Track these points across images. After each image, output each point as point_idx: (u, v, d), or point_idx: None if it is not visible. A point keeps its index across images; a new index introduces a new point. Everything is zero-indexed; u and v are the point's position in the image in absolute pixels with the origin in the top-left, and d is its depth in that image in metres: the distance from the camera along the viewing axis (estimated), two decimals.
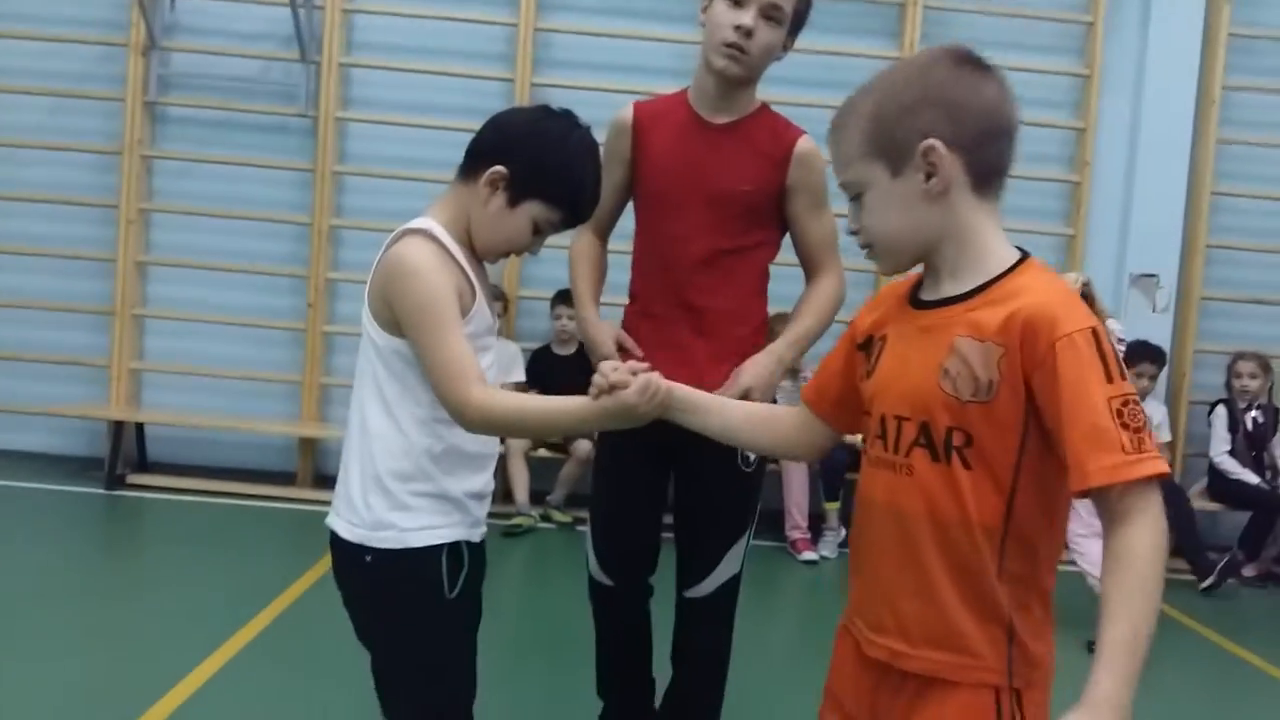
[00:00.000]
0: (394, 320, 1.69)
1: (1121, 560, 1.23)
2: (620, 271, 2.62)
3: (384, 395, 1.72)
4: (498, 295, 5.46)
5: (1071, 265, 5.79)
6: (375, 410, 1.73)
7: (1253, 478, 5.43)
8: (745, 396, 2.27)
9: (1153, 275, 5.81)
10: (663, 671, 2.62)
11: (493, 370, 1.79)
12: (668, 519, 2.53)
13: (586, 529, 2.57)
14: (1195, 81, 5.80)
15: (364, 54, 5.83)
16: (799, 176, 2.36)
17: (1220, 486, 5.52)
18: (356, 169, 5.82)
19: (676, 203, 2.38)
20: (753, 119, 2.39)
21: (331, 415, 5.87)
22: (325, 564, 4.25)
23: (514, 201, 1.75)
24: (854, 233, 1.45)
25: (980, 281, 1.36)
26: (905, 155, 1.34)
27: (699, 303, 2.39)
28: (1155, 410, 5.55)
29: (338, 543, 1.76)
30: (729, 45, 2.26)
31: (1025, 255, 1.37)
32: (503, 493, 5.18)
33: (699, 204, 2.35)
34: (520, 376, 5.48)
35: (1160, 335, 5.68)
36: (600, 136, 1.98)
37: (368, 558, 1.72)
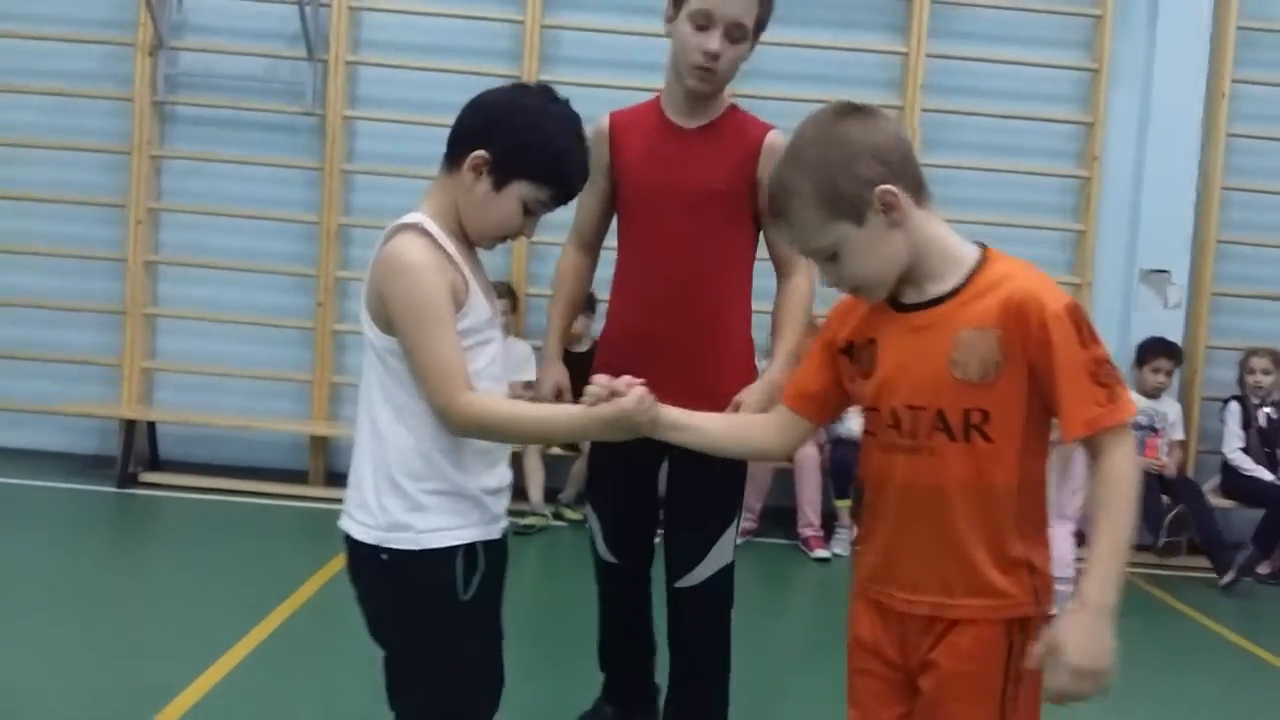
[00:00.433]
0: (389, 318, 1.69)
1: (1104, 485, 1.50)
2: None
3: (391, 395, 1.71)
4: (507, 293, 5.46)
5: (1081, 261, 5.77)
6: (384, 411, 1.72)
7: (1267, 474, 5.39)
8: None
9: (1164, 271, 5.78)
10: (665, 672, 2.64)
11: (496, 365, 1.77)
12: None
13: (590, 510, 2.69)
14: (1204, 75, 5.76)
15: (371, 52, 5.84)
16: (768, 169, 2.38)
17: (1234, 483, 5.49)
18: (364, 167, 5.83)
19: (654, 207, 2.45)
20: (723, 120, 2.47)
21: (342, 413, 5.87)
22: (337, 563, 4.28)
23: (500, 184, 1.73)
24: (832, 285, 1.63)
25: (961, 279, 1.57)
26: (861, 205, 1.53)
27: (682, 306, 2.44)
28: (1170, 407, 5.52)
29: (353, 543, 1.76)
30: (697, 68, 2.34)
31: (984, 247, 1.60)
32: (516, 490, 5.17)
33: (676, 207, 2.42)
34: (531, 375, 5.46)
35: (1172, 331, 5.65)
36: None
37: (383, 556, 1.71)
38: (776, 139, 2.41)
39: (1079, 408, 1.49)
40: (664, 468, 2.56)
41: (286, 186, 5.82)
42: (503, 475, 1.81)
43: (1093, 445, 1.52)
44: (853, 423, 5.01)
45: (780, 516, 5.32)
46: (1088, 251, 5.77)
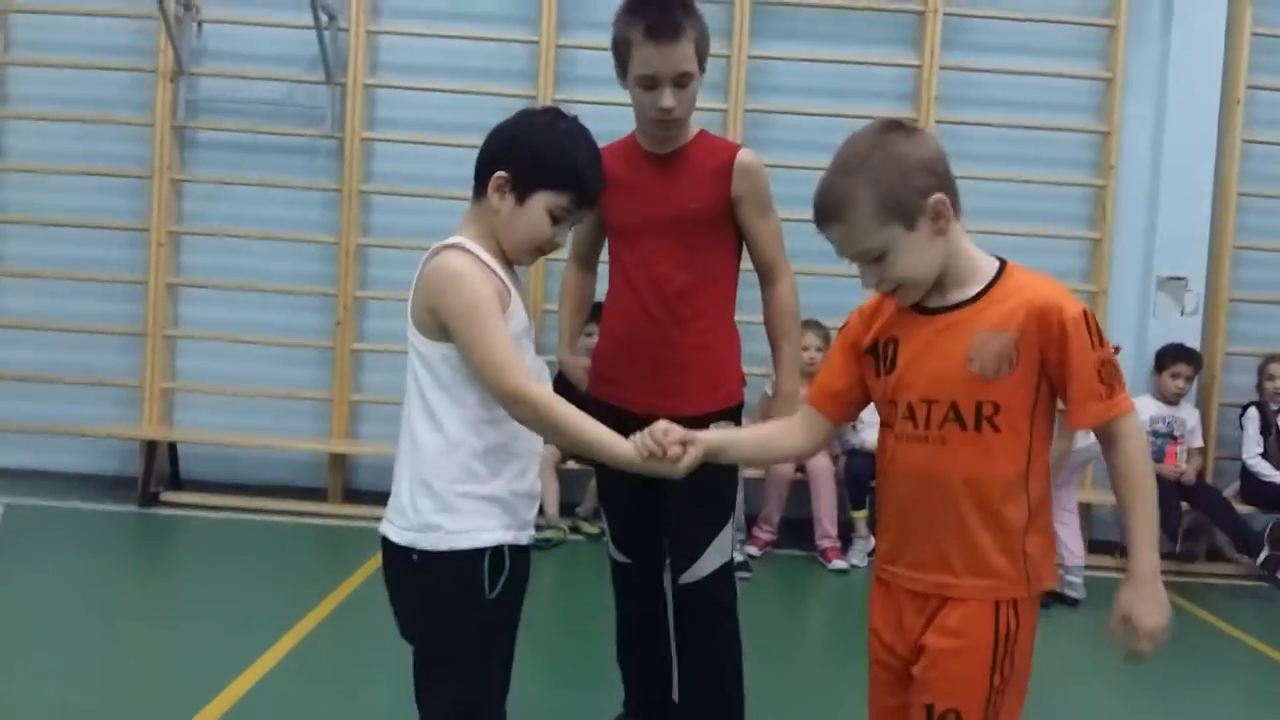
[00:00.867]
0: (439, 326, 1.77)
1: (1122, 467, 1.68)
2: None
3: (429, 405, 1.80)
4: None
5: (1098, 269, 5.76)
6: (421, 422, 1.81)
7: None
8: None
9: (1181, 278, 5.76)
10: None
11: (531, 373, 1.84)
12: None
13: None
14: (1219, 82, 5.75)
15: (388, 75, 5.90)
16: (743, 186, 2.56)
17: (1253, 489, 5.46)
18: (382, 188, 5.88)
19: (636, 230, 2.59)
20: (693, 144, 2.60)
21: (361, 431, 5.92)
22: (357, 578, 4.31)
23: (522, 198, 1.84)
24: (873, 286, 1.76)
25: (982, 286, 1.72)
26: (915, 212, 1.68)
27: (661, 320, 2.56)
28: (1189, 414, 5.50)
29: (388, 545, 1.84)
30: (656, 122, 2.50)
31: (1003, 261, 1.75)
32: None
33: (656, 228, 2.56)
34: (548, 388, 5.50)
35: (1189, 338, 5.63)
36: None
37: (414, 557, 1.79)
38: (746, 156, 2.57)
39: (1084, 403, 1.66)
40: None
41: (305, 208, 5.89)
42: (533, 483, 1.88)
43: (1104, 435, 1.69)
44: (867, 434, 5.02)
45: (797, 529, 5.32)
46: (1104, 259, 5.76)
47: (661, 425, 1.79)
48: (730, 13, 5.66)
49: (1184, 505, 5.26)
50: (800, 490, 5.33)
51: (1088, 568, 4.78)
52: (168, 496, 5.60)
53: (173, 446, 5.84)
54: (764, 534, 5.26)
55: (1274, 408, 5.49)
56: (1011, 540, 1.70)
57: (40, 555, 4.56)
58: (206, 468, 5.91)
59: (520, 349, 1.81)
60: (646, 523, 2.70)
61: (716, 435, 1.92)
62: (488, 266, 1.81)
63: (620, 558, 2.76)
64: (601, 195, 1.96)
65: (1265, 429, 5.48)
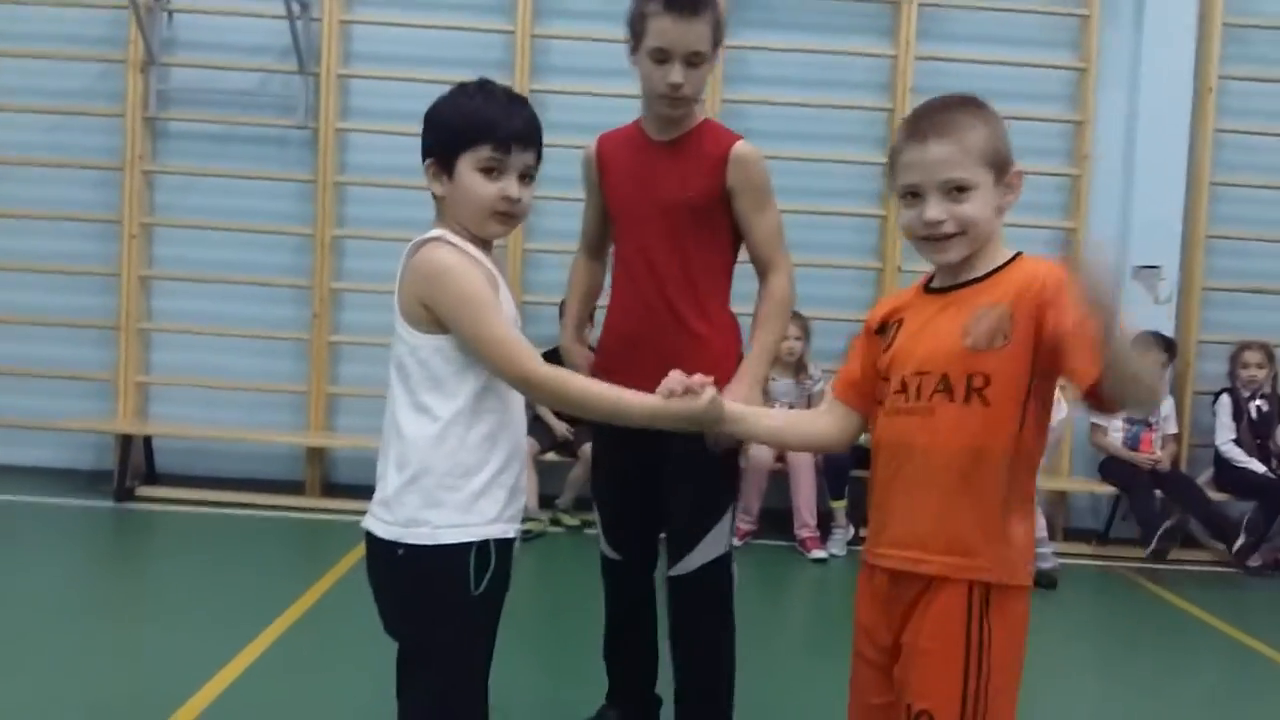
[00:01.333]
0: (430, 319, 1.77)
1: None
2: None
3: (416, 397, 1.79)
4: None
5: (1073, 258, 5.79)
6: (407, 414, 1.79)
7: (1259, 466, 5.44)
8: None
9: (1154, 267, 5.81)
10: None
11: (536, 354, 1.84)
12: None
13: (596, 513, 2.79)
14: (1191, 71, 5.81)
15: (362, 64, 5.86)
16: (738, 178, 2.54)
17: (1227, 476, 5.52)
18: (357, 179, 5.85)
19: (635, 217, 2.60)
20: (695, 132, 2.59)
21: (338, 424, 5.89)
22: (336, 572, 4.29)
23: (451, 172, 1.84)
24: (935, 222, 1.69)
25: (989, 269, 1.72)
26: (1005, 169, 1.72)
27: (658, 309, 2.57)
28: (1164, 402, 5.55)
29: (372, 540, 1.83)
30: (663, 97, 2.49)
31: (1019, 254, 1.74)
32: None
33: (654, 215, 2.56)
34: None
35: (1163, 326, 5.67)
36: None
37: (400, 552, 1.78)
38: (743, 148, 2.54)
39: (1086, 350, 1.54)
40: (662, 459, 2.60)
41: (280, 199, 5.84)
42: (520, 475, 1.87)
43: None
44: None
45: (777, 519, 5.34)
46: (1079, 248, 5.80)
47: (678, 374, 1.81)
48: None
49: (1158, 494, 5.31)
50: (779, 480, 5.35)
51: (1060, 554, 4.82)
52: (143, 491, 5.56)
53: (148, 440, 5.79)
54: (743, 524, 5.27)
55: (1246, 394, 5.55)
56: (990, 520, 1.66)
57: (14, 551, 4.52)
58: (182, 462, 5.87)
59: None
60: (639, 519, 2.70)
61: (740, 406, 1.94)
62: (471, 256, 1.81)
63: (611, 554, 2.75)
64: (524, 130, 1.87)
65: (1237, 415, 5.54)
